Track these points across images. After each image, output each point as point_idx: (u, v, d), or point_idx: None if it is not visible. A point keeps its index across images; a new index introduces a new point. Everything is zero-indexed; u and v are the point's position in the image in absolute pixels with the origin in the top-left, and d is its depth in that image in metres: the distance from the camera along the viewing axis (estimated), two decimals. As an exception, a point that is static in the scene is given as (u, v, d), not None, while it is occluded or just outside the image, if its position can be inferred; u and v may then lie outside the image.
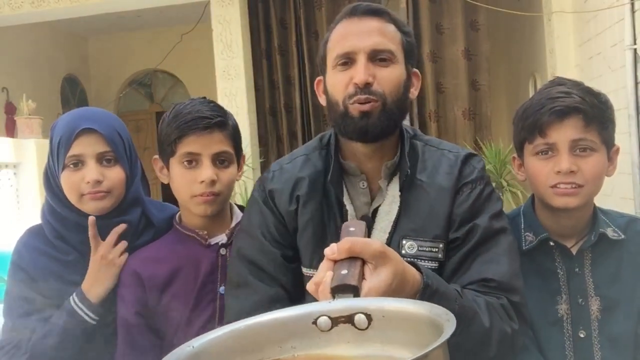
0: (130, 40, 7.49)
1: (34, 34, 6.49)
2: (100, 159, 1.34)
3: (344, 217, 1.17)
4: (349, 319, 0.70)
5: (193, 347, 0.65)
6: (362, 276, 0.81)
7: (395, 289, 0.82)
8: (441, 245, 1.13)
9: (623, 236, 1.29)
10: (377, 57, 1.13)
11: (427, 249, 1.13)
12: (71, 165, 1.33)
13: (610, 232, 1.29)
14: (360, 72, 1.11)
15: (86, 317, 1.31)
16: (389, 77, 1.14)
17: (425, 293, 0.90)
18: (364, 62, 1.12)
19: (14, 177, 4.90)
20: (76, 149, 1.32)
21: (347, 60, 1.14)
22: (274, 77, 5.21)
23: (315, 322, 0.70)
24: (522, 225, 1.33)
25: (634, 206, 3.12)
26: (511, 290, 1.08)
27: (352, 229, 0.89)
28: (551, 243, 1.30)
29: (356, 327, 0.69)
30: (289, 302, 1.14)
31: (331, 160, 1.20)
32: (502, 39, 5.62)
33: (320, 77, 1.25)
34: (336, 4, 4.95)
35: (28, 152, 4.84)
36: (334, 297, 0.76)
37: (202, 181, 1.31)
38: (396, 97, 1.14)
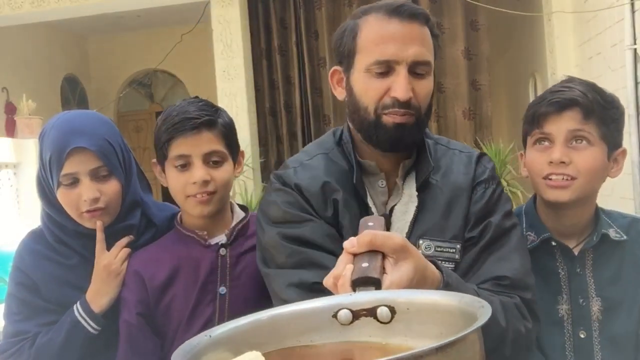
0: (130, 40, 7.49)
1: (34, 34, 6.48)
2: (95, 174, 1.31)
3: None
4: (371, 312, 0.67)
5: (210, 336, 0.63)
6: (383, 270, 0.78)
7: (415, 285, 0.80)
8: (458, 246, 1.12)
9: (625, 237, 1.29)
10: (416, 69, 1.08)
11: (444, 250, 1.11)
12: (66, 184, 1.30)
13: (612, 233, 1.29)
14: (402, 87, 1.05)
15: (89, 328, 1.31)
16: (425, 91, 1.10)
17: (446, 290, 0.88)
18: (405, 76, 1.06)
19: (14, 177, 4.90)
20: (68, 167, 1.29)
21: (385, 69, 1.07)
22: (274, 77, 5.20)
23: (335, 316, 0.68)
24: (524, 225, 1.33)
25: (634, 206, 3.12)
26: (524, 287, 1.08)
27: (370, 223, 0.86)
28: (553, 243, 1.30)
29: (378, 321, 0.67)
30: None
31: (351, 160, 1.15)
32: (502, 39, 5.61)
33: (337, 68, 1.17)
34: (336, 3, 4.94)
35: (28, 152, 4.84)
36: (354, 290, 0.73)
37: (195, 182, 1.31)
38: (428, 108, 1.12)
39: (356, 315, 0.67)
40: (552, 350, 1.27)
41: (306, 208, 1.12)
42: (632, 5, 3.09)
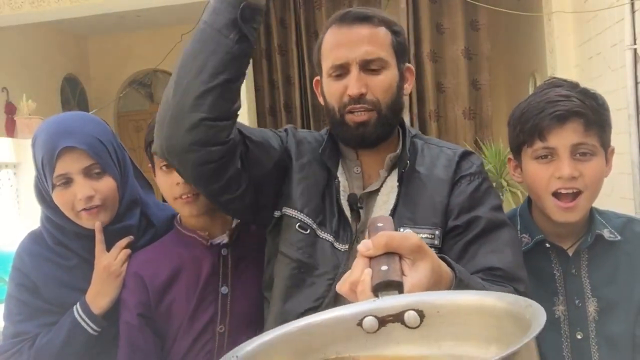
0: (130, 40, 7.48)
1: (34, 34, 6.48)
2: (88, 172, 1.31)
3: (337, 189, 1.22)
4: (398, 318, 0.62)
5: (237, 357, 0.58)
6: (401, 272, 0.74)
7: (432, 285, 0.77)
8: (437, 232, 1.15)
9: (619, 237, 1.29)
10: (369, 66, 1.17)
11: (423, 236, 1.13)
12: (60, 184, 1.31)
13: (606, 233, 1.29)
14: (352, 84, 1.16)
15: (88, 329, 1.31)
16: (382, 84, 1.18)
17: (459, 287, 0.86)
18: (356, 74, 1.16)
19: (14, 177, 4.90)
20: (61, 168, 1.29)
21: (341, 71, 1.18)
22: (274, 77, 5.20)
23: (360, 324, 0.63)
24: (519, 227, 1.33)
25: (634, 206, 3.11)
26: (517, 279, 1.09)
27: (380, 224, 0.82)
28: (547, 244, 1.30)
29: (406, 326, 0.62)
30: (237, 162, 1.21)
31: (329, 141, 1.27)
32: (502, 39, 5.61)
33: (318, 78, 1.29)
34: (336, 4, 4.94)
35: (28, 152, 4.78)
36: (376, 296, 0.68)
37: (178, 183, 1.31)
38: (390, 101, 1.19)
39: (382, 322, 0.63)
40: (549, 352, 1.27)
41: (287, 141, 1.29)
42: (632, 5, 3.08)
